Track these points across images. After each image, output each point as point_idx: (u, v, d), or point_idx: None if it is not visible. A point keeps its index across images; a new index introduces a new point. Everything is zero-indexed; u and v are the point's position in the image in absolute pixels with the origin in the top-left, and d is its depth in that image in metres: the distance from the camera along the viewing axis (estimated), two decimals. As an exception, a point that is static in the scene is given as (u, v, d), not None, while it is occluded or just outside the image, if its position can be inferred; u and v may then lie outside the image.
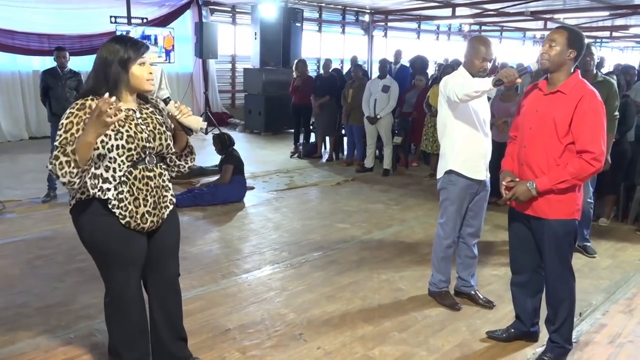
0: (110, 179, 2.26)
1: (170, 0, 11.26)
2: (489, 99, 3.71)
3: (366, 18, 15.52)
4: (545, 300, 2.92)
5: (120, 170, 2.27)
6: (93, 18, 9.87)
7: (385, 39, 16.36)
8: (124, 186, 2.29)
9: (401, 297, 3.75)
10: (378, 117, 7.48)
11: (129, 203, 2.30)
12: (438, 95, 3.54)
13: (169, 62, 10.24)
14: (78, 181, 2.16)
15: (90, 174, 2.23)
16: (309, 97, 8.81)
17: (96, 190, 2.25)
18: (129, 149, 2.27)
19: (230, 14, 12.86)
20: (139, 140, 2.30)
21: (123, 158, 2.27)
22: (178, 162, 2.57)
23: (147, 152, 2.35)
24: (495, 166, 3.29)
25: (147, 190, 2.35)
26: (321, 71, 9.51)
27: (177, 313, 2.65)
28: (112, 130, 2.21)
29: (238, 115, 12.60)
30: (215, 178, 6.45)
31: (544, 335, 3.05)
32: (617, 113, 4.47)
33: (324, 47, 14.75)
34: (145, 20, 10.12)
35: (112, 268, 2.38)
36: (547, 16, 14.08)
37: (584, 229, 4.59)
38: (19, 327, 3.20)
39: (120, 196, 2.28)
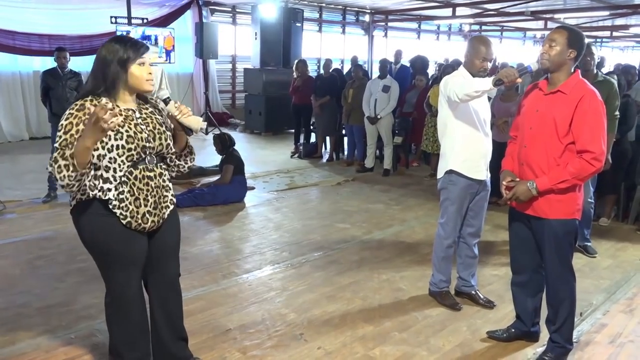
0: (111, 179, 2.27)
1: (170, 0, 11.26)
2: (489, 98, 3.71)
3: (366, 18, 15.52)
4: (546, 300, 2.92)
5: (120, 171, 2.28)
6: (93, 18, 9.87)
7: (385, 39, 16.36)
8: (124, 186, 2.29)
9: (402, 297, 3.75)
10: (378, 117, 7.48)
11: (130, 203, 2.30)
12: (438, 95, 3.54)
13: (169, 63, 10.24)
14: (77, 184, 2.18)
15: (90, 177, 2.23)
16: (310, 97, 8.81)
17: (96, 190, 2.25)
18: (129, 149, 2.27)
19: (231, 14, 12.86)
20: (138, 140, 2.30)
21: (123, 158, 2.27)
22: (178, 162, 2.57)
23: (147, 152, 2.35)
24: (495, 166, 3.29)
25: (147, 190, 2.36)
26: (321, 71, 9.51)
27: (178, 313, 2.65)
28: (112, 131, 2.21)
29: (238, 115, 12.60)
30: (215, 178, 6.45)
31: (544, 335, 3.05)
32: (617, 113, 4.47)
33: (324, 47, 14.75)
34: (145, 21, 10.12)
35: (112, 268, 2.38)
36: (548, 16, 14.07)
37: (584, 228, 4.59)
38: (20, 327, 3.20)
39: (121, 196, 2.28)
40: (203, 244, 4.76)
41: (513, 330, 3.15)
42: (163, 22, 10.95)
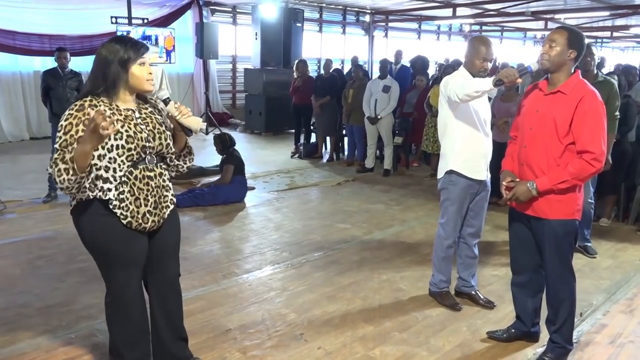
0: (111, 179, 2.27)
1: (170, 0, 11.26)
2: (489, 99, 3.71)
3: (367, 18, 15.52)
4: (546, 300, 2.92)
5: (120, 170, 2.28)
6: (94, 18, 9.87)
7: (385, 39, 16.37)
8: (124, 186, 2.29)
9: (402, 297, 3.75)
10: (379, 117, 7.48)
11: (130, 203, 2.30)
12: (439, 95, 3.54)
13: (170, 63, 10.24)
14: (76, 186, 2.19)
15: (90, 178, 2.24)
16: (310, 98, 8.81)
17: (97, 191, 2.26)
18: (129, 149, 2.27)
19: (231, 15, 12.86)
20: (138, 140, 2.30)
21: (123, 158, 2.27)
22: (177, 163, 2.58)
23: (147, 152, 2.35)
24: (495, 166, 3.29)
25: (147, 190, 2.36)
26: (322, 71, 9.51)
27: (178, 313, 2.65)
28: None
29: (239, 115, 12.60)
30: (215, 178, 6.45)
31: (544, 335, 3.05)
32: (617, 113, 4.47)
33: (325, 47, 14.75)
34: (146, 21, 10.13)
35: (113, 268, 2.38)
36: (548, 16, 14.07)
37: (584, 229, 4.59)
38: (20, 327, 3.20)
39: (121, 196, 2.28)
40: (203, 244, 4.76)
41: (513, 330, 3.15)
42: (163, 22, 10.95)
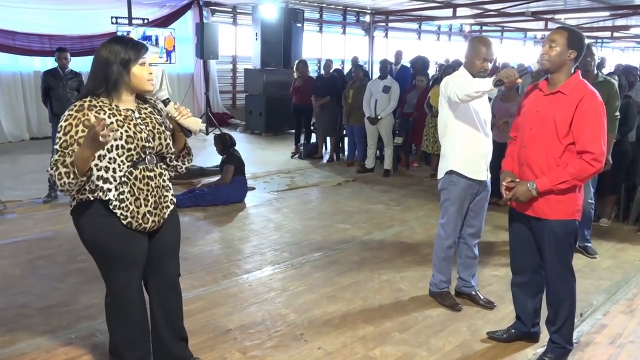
0: (111, 179, 2.27)
1: (171, 0, 11.27)
2: (489, 99, 3.71)
3: (367, 18, 15.53)
4: (546, 300, 2.92)
5: (120, 171, 2.28)
6: (94, 19, 9.87)
7: (386, 39, 16.37)
8: (124, 186, 2.29)
9: (402, 298, 3.75)
10: (379, 117, 7.48)
11: (130, 203, 2.30)
12: (439, 95, 3.54)
13: (170, 63, 10.25)
14: (76, 189, 2.20)
15: (89, 181, 2.24)
16: (310, 98, 8.81)
17: (97, 191, 2.25)
18: (129, 149, 2.27)
19: (231, 15, 12.86)
20: (138, 140, 2.30)
21: (123, 158, 2.27)
22: (175, 163, 2.58)
23: (147, 152, 2.35)
24: (495, 166, 3.29)
25: (147, 190, 2.36)
26: (322, 72, 9.51)
27: (178, 313, 2.65)
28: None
29: (239, 115, 12.60)
30: (216, 178, 6.46)
31: (544, 335, 3.04)
32: (617, 113, 4.47)
33: (325, 47, 14.75)
34: (146, 21, 10.13)
35: (113, 268, 2.38)
36: (548, 16, 14.07)
37: (584, 229, 4.59)
38: (20, 328, 3.20)
39: (121, 197, 2.28)
40: (203, 244, 4.76)
41: (513, 330, 3.15)
42: (164, 22, 10.96)
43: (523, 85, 6.12)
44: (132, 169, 2.31)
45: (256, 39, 11.09)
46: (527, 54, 19.48)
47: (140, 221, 2.34)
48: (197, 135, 2.73)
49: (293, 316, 3.43)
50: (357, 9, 15.11)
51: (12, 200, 5.81)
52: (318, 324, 3.34)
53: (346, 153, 8.88)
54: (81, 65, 7.78)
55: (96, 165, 2.23)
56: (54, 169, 2.13)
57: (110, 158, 2.25)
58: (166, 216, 2.47)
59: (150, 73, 2.36)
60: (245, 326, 3.28)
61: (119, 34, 8.79)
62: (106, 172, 2.26)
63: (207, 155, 8.16)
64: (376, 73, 8.75)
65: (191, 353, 2.76)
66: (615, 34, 19.14)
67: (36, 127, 9.96)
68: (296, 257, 4.48)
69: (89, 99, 2.26)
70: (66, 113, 2.23)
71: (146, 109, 2.43)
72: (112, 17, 9.26)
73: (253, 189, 6.70)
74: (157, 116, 2.44)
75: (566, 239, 2.76)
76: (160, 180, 2.43)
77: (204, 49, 10.57)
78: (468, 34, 17.98)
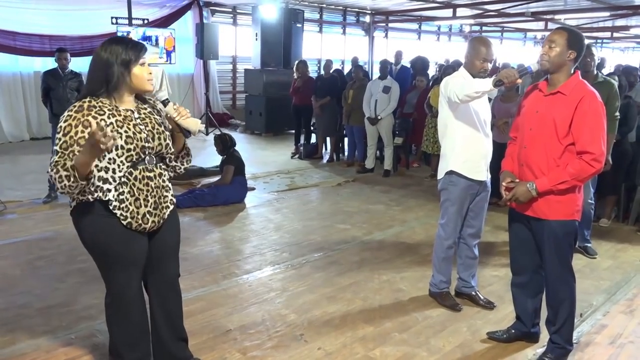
0: (110, 180, 2.27)
1: (171, 1, 11.27)
2: (489, 99, 3.71)
3: (367, 19, 15.53)
4: (546, 301, 2.92)
5: (120, 171, 2.28)
6: (94, 19, 9.88)
7: (386, 39, 16.37)
8: (124, 187, 2.29)
9: (402, 298, 3.75)
10: (379, 117, 7.49)
11: (130, 204, 2.30)
12: (439, 96, 3.54)
13: (170, 63, 10.26)
14: (77, 191, 2.20)
15: (90, 184, 2.24)
16: (310, 98, 8.81)
17: (97, 192, 2.25)
18: (128, 150, 2.27)
19: (231, 15, 12.87)
20: (138, 140, 2.30)
21: (122, 158, 2.27)
22: (174, 163, 2.58)
23: (147, 152, 2.35)
24: (495, 167, 3.29)
25: (147, 191, 2.36)
26: (322, 72, 9.51)
27: (178, 313, 2.65)
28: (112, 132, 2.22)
29: (239, 116, 12.61)
30: (216, 179, 6.46)
31: (544, 336, 3.05)
32: (617, 114, 4.47)
33: (325, 48, 14.76)
34: (146, 21, 10.14)
35: (113, 269, 2.38)
36: (548, 17, 14.07)
37: (584, 229, 4.59)
38: (20, 328, 3.20)
39: (121, 197, 2.28)
40: (203, 244, 4.76)
41: (513, 331, 3.15)
42: (164, 22, 10.96)
43: (523, 85, 6.13)
44: (131, 169, 2.31)
45: (256, 39, 11.10)
46: (527, 55, 19.48)
47: (140, 221, 2.34)
48: (196, 136, 2.72)
49: (293, 316, 3.43)
50: (357, 10, 15.12)
51: (12, 201, 5.81)
52: (318, 324, 3.34)
53: (346, 153, 8.89)
54: (81, 65, 7.77)
55: (96, 165, 2.22)
56: (54, 171, 2.13)
57: (109, 158, 2.25)
58: (166, 216, 2.47)
59: (150, 73, 2.37)
60: (245, 326, 3.28)
61: (119, 34, 8.80)
62: (106, 172, 2.26)
63: (207, 156, 8.16)
64: (376, 73, 8.76)
65: (191, 353, 2.76)
66: (615, 35, 19.14)
67: (36, 128, 9.96)
68: (296, 257, 4.48)
69: (88, 99, 2.26)
70: (65, 114, 2.22)
71: (145, 109, 2.43)
72: (112, 18, 9.27)
73: (253, 189, 6.70)
74: (156, 116, 2.44)
75: (566, 239, 2.76)
76: (160, 181, 2.43)
77: (204, 49, 10.57)
78: (468, 34, 17.98)
